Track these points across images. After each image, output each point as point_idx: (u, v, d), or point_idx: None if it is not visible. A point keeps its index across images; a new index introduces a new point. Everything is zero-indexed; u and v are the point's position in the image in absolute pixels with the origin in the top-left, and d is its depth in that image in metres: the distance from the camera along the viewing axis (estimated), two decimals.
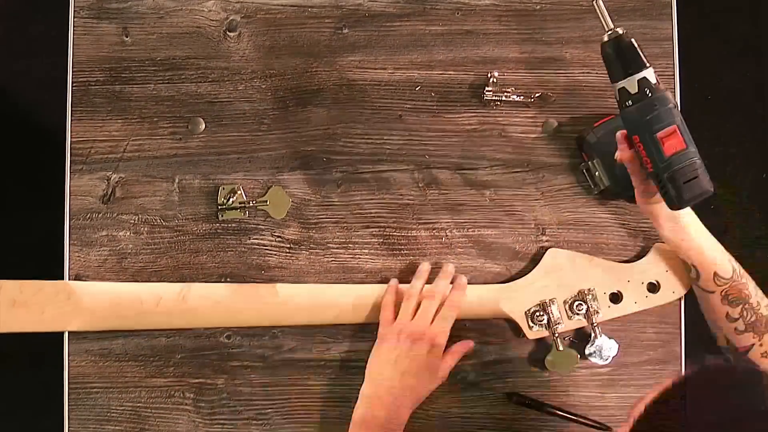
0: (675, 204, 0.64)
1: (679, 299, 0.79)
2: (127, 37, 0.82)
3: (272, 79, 0.82)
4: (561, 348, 0.76)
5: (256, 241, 0.80)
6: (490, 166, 0.81)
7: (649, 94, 0.63)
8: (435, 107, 0.81)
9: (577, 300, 0.76)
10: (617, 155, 0.68)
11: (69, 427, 0.79)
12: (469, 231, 0.80)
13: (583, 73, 0.81)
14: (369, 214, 0.81)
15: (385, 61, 0.82)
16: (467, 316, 0.78)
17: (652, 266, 0.77)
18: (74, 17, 0.83)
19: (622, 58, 0.64)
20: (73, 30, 0.82)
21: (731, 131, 1.45)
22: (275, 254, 0.80)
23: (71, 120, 0.82)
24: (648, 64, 0.64)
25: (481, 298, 0.78)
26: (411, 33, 0.82)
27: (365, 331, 0.79)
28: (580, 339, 0.78)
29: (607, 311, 0.77)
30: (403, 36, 0.82)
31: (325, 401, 0.79)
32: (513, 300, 0.77)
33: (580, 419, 0.78)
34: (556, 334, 0.76)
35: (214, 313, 0.78)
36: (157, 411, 0.80)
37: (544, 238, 0.80)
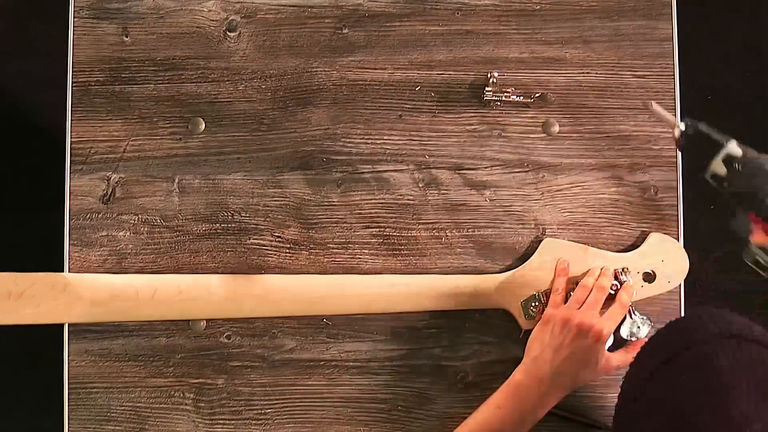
0: None
1: (678, 287, 0.79)
2: (127, 37, 0.82)
3: (272, 79, 0.82)
4: None
5: (255, 241, 0.80)
6: (490, 167, 0.81)
7: (740, 168, 0.60)
8: (435, 107, 0.81)
9: (573, 290, 0.76)
10: (754, 240, 0.65)
11: (69, 427, 0.79)
12: (469, 231, 0.80)
13: (583, 73, 0.81)
14: (369, 214, 0.81)
15: (385, 61, 0.82)
16: (462, 307, 0.78)
17: (648, 255, 0.77)
18: (74, 17, 0.83)
19: (699, 147, 0.62)
20: (73, 30, 0.83)
21: (731, 131, 1.45)
22: (275, 254, 0.80)
23: (71, 120, 0.82)
24: (725, 141, 0.61)
25: (476, 289, 0.78)
26: (411, 33, 0.82)
27: (365, 332, 0.80)
28: None
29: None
30: (403, 36, 0.82)
31: (325, 401, 0.79)
32: (508, 291, 0.77)
33: (580, 419, 0.78)
34: None
35: (211, 305, 0.78)
36: (157, 411, 0.80)
37: (544, 238, 0.80)
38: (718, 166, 0.61)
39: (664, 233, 0.79)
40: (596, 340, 0.71)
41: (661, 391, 0.55)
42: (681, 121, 0.63)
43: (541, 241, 0.79)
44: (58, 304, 0.77)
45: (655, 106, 0.65)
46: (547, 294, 0.77)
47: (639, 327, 0.75)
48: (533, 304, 0.77)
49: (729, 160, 0.60)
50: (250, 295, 0.78)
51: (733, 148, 0.61)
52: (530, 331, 0.75)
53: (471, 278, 0.78)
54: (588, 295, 0.74)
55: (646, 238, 0.79)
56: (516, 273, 0.78)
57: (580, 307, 0.73)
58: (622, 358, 0.73)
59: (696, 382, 0.53)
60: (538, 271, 0.78)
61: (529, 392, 0.71)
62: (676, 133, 0.63)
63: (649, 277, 0.77)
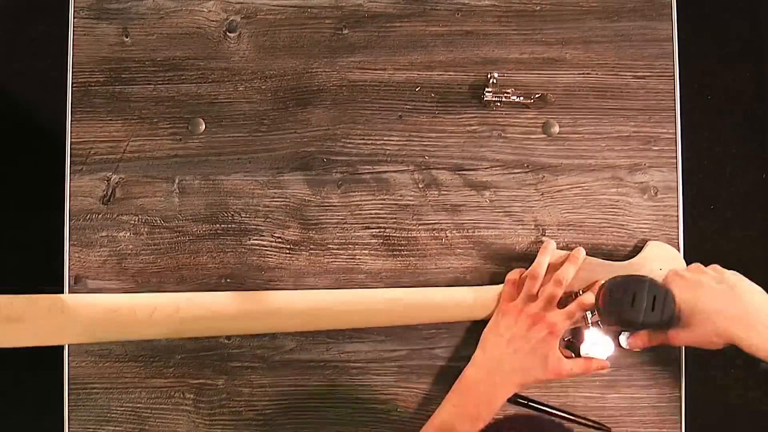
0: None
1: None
2: (127, 37, 0.82)
3: (272, 80, 0.82)
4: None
5: (256, 241, 0.80)
6: (490, 167, 0.81)
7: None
8: (435, 108, 0.81)
9: (572, 300, 0.76)
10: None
11: (69, 428, 0.79)
12: (469, 232, 0.81)
13: (583, 73, 0.81)
14: (369, 214, 0.81)
15: (385, 62, 0.82)
16: (464, 319, 0.78)
17: (646, 264, 0.77)
18: (74, 17, 0.83)
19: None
20: (73, 30, 0.83)
21: (731, 131, 1.45)
22: (275, 255, 0.80)
23: (71, 120, 0.82)
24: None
25: (477, 300, 0.77)
26: (411, 34, 0.82)
27: (365, 332, 0.80)
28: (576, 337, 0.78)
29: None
30: (403, 37, 0.82)
31: (325, 402, 0.80)
32: None
33: (580, 420, 0.78)
34: None
35: (209, 323, 0.77)
36: (157, 411, 0.80)
37: (544, 239, 0.80)
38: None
39: (664, 235, 0.79)
40: (549, 332, 0.71)
41: None
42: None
43: (542, 241, 0.79)
44: (56, 326, 0.76)
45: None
46: None
47: (598, 346, 0.74)
48: None
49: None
50: (249, 312, 0.77)
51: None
52: None
53: (470, 290, 0.78)
54: (542, 289, 0.74)
55: (644, 239, 0.79)
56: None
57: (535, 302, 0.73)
58: (575, 365, 0.72)
59: None
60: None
61: (481, 386, 0.71)
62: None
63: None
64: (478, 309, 0.77)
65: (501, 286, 0.78)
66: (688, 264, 0.76)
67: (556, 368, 0.71)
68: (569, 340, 0.78)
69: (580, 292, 0.75)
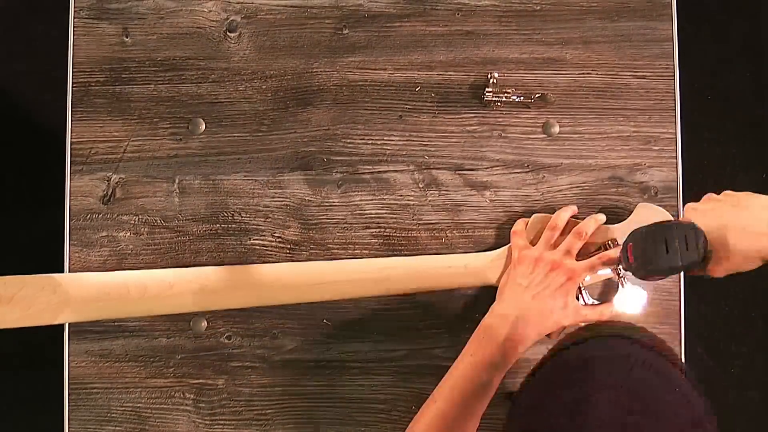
0: None
1: (678, 288, 0.79)
2: (127, 37, 0.82)
3: (272, 80, 0.82)
4: None
5: (256, 241, 0.80)
6: (490, 167, 0.81)
7: None
8: (435, 108, 0.81)
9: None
10: None
11: (69, 428, 0.80)
12: (469, 232, 0.81)
13: (583, 73, 0.81)
14: (369, 214, 0.81)
15: (385, 62, 0.82)
16: (453, 285, 0.78)
17: (634, 227, 0.77)
18: (74, 17, 0.83)
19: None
20: (73, 30, 0.83)
21: (731, 131, 1.45)
22: (275, 255, 0.80)
23: (71, 120, 0.82)
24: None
25: (468, 267, 0.77)
26: (411, 34, 0.82)
27: (365, 332, 0.80)
28: None
29: (594, 275, 0.76)
30: (404, 37, 0.82)
31: (325, 401, 0.80)
32: (499, 268, 0.77)
33: None
34: None
35: (202, 298, 0.77)
36: (157, 411, 0.80)
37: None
38: None
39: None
40: (568, 278, 0.70)
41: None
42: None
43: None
44: (49, 306, 0.76)
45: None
46: None
47: (633, 296, 0.75)
48: None
49: None
50: (241, 285, 0.77)
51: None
52: None
53: (462, 256, 0.78)
54: (561, 239, 0.73)
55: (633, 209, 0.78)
56: (506, 250, 0.78)
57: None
58: (590, 312, 0.72)
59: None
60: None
61: (497, 333, 0.69)
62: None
63: None
64: (471, 275, 0.77)
65: (492, 252, 0.78)
66: None
67: (575, 313, 0.71)
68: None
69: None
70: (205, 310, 0.79)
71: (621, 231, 0.76)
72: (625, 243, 0.67)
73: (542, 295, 0.70)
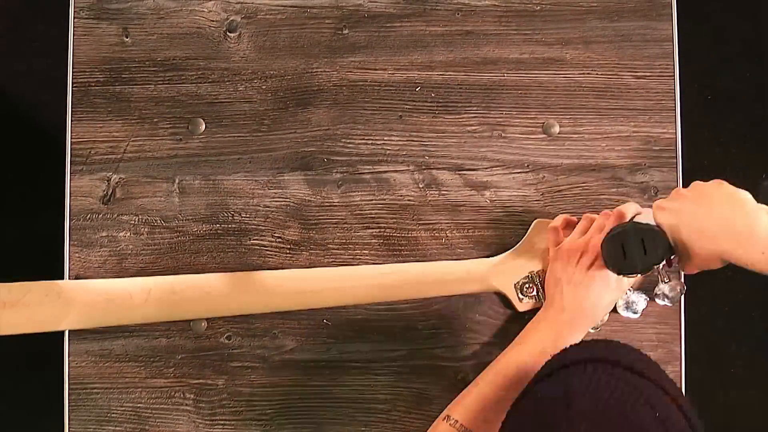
0: None
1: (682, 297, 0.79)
2: (127, 37, 0.82)
3: (272, 80, 0.82)
4: None
5: (256, 241, 0.80)
6: (490, 167, 0.81)
7: None
8: (435, 108, 0.81)
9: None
10: None
11: (69, 428, 0.79)
12: (469, 232, 0.81)
13: (583, 73, 0.81)
14: (369, 214, 0.81)
15: (386, 62, 0.82)
16: (456, 292, 0.78)
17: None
18: (74, 17, 0.83)
19: None
20: (73, 30, 0.83)
21: (731, 131, 1.45)
22: (275, 255, 0.80)
23: (71, 120, 0.82)
24: None
25: (470, 273, 0.78)
26: (411, 34, 0.82)
27: (365, 331, 0.80)
28: None
29: None
30: (404, 37, 0.82)
31: (325, 401, 0.80)
32: (502, 273, 0.77)
33: None
34: None
35: (205, 304, 0.77)
36: (157, 412, 0.80)
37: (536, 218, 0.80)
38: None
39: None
40: (596, 256, 0.70)
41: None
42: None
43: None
44: (53, 312, 0.76)
45: None
46: (541, 275, 0.76)
47: (635, 302, 0.75)
48: (527, 286, 0.76)
49: None
50: (244, 292, 0.78)
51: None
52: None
53: (464, 263, 0.78)
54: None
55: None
56: (509, 255, 0.78)
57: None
58: (629, 280, 0.71)
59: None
60: (530, 252, 0.77)
61: (550, 323, 0.69)
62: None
63: None
64: (473, 281, 0.78)
65: (494, 258, 0.78)
66: None
67: (618, 288, 0.71)
68: None
69: None
70: (209, 316, 0.79)
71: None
72: (601, 244, 0.68)
73: (582, 284, 0.70)
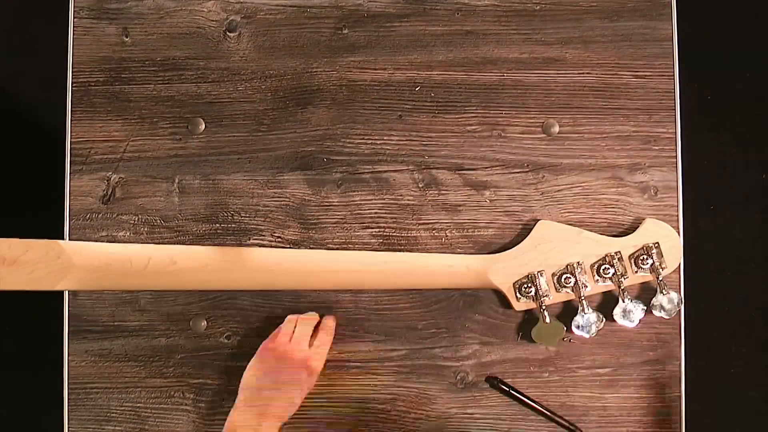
0: None
1: (676, 271, 0.79)
2: (127, 37, 0.83)
3: (272, 80, 0.82)
4: (548, 320, 0.76)
5: (255, 241, 0.80)
6: (490, 167, 0.81)
7: None
8: (435, 108, 0.81)
9: (566, 273, 0.76)
10: None
11: (69, 427, 0.80)
12: (469, 231, 0.81)
13: (583, 73, 0.81)
14: (369, 214, 0.81)
15: (385, 62, 0.82)
16: (454, 285, 0.78)
17: (642, 240, 0.77)
18: (74, 17, 0.83)
19: None
20: (73, 30, 0.83)
21: (731, 131, 1.45)
22: None
23: (71, 120, 0.82)
24: None
25: (470, 268, 0.77)
26: (411, 33, 0.82)
27: (365, 331, 0.80)
28: (569, 313, 0.77)
29: (595, 285, 0.76)
30: (403, 36, 0.82)
31: (325, 401, 0.80)
32: (501, 271, 0.77)
33: (555, 417, 0.78)
34: (544, 307, 0.76)
35: (203, 276, 0.77)
36: (156, 411, 0.80)
37: (539, 220, 0.80)
38: None
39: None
40: (309, 374, 0.73)
41: None
42: None
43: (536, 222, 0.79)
44: (51, 271, 0.75)
45: None
46: (542, 275, 0.76)
47: (632, 311, 0.75)
48: (526, 286, 0.76)
49: None
50: (243, 267, 0.77)
51: None
52: (531, 327, 0.75)
53: (465, 257, 0.78)
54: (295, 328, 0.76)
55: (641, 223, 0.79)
56: (510, 253, 0.78)
57: (291, 339, 0.75)
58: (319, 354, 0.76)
59: None
60: (532, 252, 0.77)
61: (248, 428, 0.69)
62: None
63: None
64: (472, 276, 0.77)
65: (496, 255, 0.78)
66: (684, 244, 0.77)
67: (315, 366, 0.75)
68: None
69: (581, 262, 0.75)
70: (206, 289, 0.79)
71: (624, 244, 0.76)
72: None
73: (285, 390, 0.73)
